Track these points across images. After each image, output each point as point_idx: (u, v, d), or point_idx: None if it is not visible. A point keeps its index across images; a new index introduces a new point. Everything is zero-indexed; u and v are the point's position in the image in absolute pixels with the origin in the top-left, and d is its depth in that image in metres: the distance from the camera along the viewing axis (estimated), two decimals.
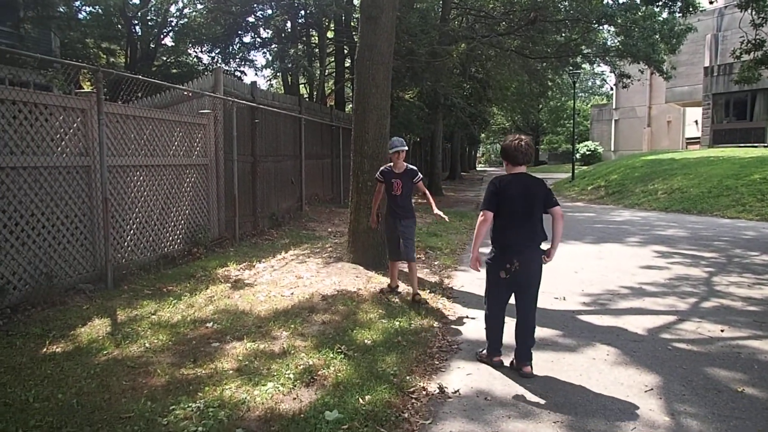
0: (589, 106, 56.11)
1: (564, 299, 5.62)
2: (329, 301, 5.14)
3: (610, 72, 34.51)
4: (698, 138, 28.80)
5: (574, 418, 3.09)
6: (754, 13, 10.24)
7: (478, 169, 55.47)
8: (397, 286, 5.67)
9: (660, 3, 11.59)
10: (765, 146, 23.25)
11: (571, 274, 6.82)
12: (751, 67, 10.49)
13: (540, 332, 4.50)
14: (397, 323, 4.62)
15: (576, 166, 32.87)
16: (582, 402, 3.29)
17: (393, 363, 3.79)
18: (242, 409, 3.07)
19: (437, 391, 3.43)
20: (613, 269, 7.06)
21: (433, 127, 19.68)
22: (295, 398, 3.22)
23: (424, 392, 3.42)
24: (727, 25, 29.08)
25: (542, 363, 3.85)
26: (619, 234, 10.24)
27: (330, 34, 22.20)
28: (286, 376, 3.49)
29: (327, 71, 21.84)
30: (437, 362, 3.96)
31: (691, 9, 14.09)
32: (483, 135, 60.16)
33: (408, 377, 3.59)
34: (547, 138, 58.74)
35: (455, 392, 3.43)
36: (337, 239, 8.69)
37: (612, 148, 41.07)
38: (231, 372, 3.55)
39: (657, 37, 16.84)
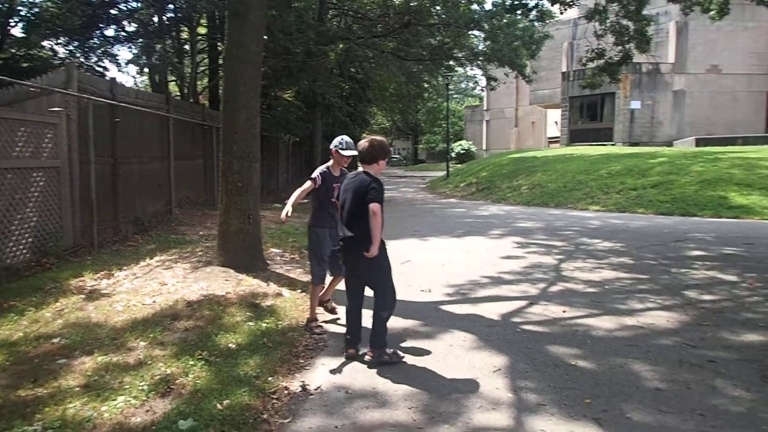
0: (463, 107, 59.03)
1: (429, 291, 5.89)
2: (194, 307, 4.97)
3: (482, 75, 36.56)
4: (558, 137, 31.41)
5: (429, 402, 3.27)
6: (597, 24, 11.38)
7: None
8: (334, 308, 5.07)
9: (519, 11, 12.50)
10: (612, 144, 25.94)
11: (438, 267, 7.16)
12: (596, 74, 11.68)
13: (404, 323, 4.71)
14: (265, 325, 4.59)
15: (451, 165, 34.49)
16: (437, 387, 3.49)
17: (256, 365, 3.76)
18: (87, 427, 2.89)
19: (299, 389, 3.46)
20: (477, 261, 7.51)
21: (312, 126, 19.65)
22: (148, 410, 3.09)
23: (286, 392, 3.44)
24: (580, 34, 31.94)
25: (404, 353, 4.01)
26: (485, 227, 10.90)
27: (202, 30, 21.34)
28: (140, 388, 3.33)
29: (199, 69, 20.98)
30: (302, 361, 3.98)
31: (545, 17, 15.35)
32: (364, 135, 61.20)
33: (270, 378, 3.58)
34: (426, 137, 60.89)
35: (317, 389, 3.48)
36: (208, 243, 8.40)
37: (484, 147, 43.56)
38: (77, 389, 3.32)
39: (518, 43, 18.15)
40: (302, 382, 3.56)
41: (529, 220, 12.10)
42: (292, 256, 7.82)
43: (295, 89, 18.73)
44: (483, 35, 20.36)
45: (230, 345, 4.11)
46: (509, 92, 38.85)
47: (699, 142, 19.87)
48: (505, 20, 18.49)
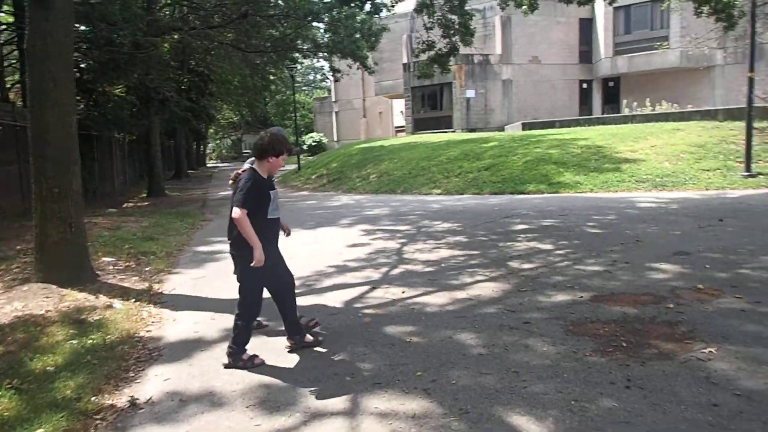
0: (312, 99, 58.99)
1: None
2: (5, 332, 4.43)
3: (328, 67, 36.61)
4: (404, 126, 32.71)
5: (267, 397, 3.25)
6: (426, 17, 11.99)
7: (208, 165, 53.77)
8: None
9: (353, 4, 12.75)
10: (453, 131, 27.63)
11: (287, 260, 7.11)
12: (428, 65, 12.33)
13: None
14: (90, 341, 4.22)
15: (303, 157, 34.37)
16: (276, 381, 3.48)
17: (77, 386, 3.45)
18: None
19: (127, 404, 3.25)
20: (324, 251, 7.59)
21: (148, 123, 18.37)
22: None
23: (112, 409, 3.21)
24: (417, 26, 33.54)
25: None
26: (334, 218, 11.05)
27: (10, 19, 18.86)
28: None
29: (8, 62, 18.57)
30: (132, 374, 3.74)
31: (379, 10, 15.83)
32: (211, 130, 58.61)
33: (94, 398, 3.31)
34: None
35: (148, 401, 3.29)
36: (27, 258, 7.51)
37: (335, 138, 43.99)
38: None
39: (358, 35, 18.53)
40: (131, 396, 3.34)
41: (376, 207, 12.47)
42: (128, 263, 7.28)
43: (125, 83, 17.30)
44: (324, 27, 20.49)
45: (48, 368, 3.73)
46: (356, 83, 39.63)
47: (525, 127, 21.86)
48: (344, 13, 18.76)
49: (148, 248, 8.23)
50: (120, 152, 20.91)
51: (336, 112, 44.62)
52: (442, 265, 6.32)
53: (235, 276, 3.96)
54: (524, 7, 10.29)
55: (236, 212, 3.57)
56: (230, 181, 3.98)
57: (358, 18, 18.83)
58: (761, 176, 11.26)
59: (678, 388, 3.01)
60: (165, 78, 18.16)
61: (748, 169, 11.38)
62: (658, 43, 22.08)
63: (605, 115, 24.29)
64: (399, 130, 36.93)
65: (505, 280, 5.45)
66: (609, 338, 3.80)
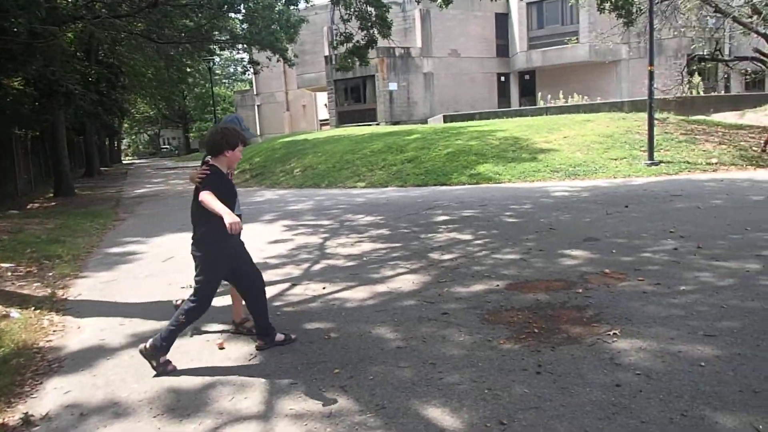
0: (233, 92, 57.34)
1: (190, 287, 5.59)
2: None
3: (247, 60, 35.66)
4: (328, 119, 32.46)
5: (176, 404, 3.10)
6: (343, 8, 11.88)
7: (124, 162, 51.12)
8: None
9: None
10: (377, 124, 27.71)
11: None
12: (346, 57, 12.25)
13: (162, 325, 4.39)
14: None
15: None
16: (187, 386, 3.32)
17: None
18: None
19: (20, 422, 3.00)
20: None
21: (52, 118, 17.15)
22: None
23: (2, 429, 2.94)
24: (338, 19, 33.35)
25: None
26: (256, 213, 10.77)
27: None
28: None
29: None
30: (29, 389, 3.46)
31: (296, 2, 15.60)
32: (126, 125, 55.74)
33: None
34: (196, 125, 57.94)
35: (44, 416, 3.05)
36: None
37: (258, 132, 42.98)
38: None
39: (276, 26, 18.13)
40: (25, 413, 3.08)
41: (300, 202, 12.29)
42: (29, 269, 6.77)
43: (23, 76, 16.05)
44: (241, 18, 19.92)
45: None
46: (278, 76, 38.88)
47: (446, 119, 22.28)
48: (261, 3, 18.30)
49: (53, 251, 7.69)
50: (22, 150, 19.41)
51: (258, 106, 43.61)
52: (364, 258, 6.30)
53: (194, 280, 3.73)
54: (438, 0, 10.42)
55: (203, 194, 3.40)
56: (197, 179, 3.67)
57: (276, 9, 18.45)
58: (662, 164, 12.03)
59: (585, 371, 3.14)
60: (69, 70, 17.01)
61: (651, 157, 12.12)
62: (568, 38, 23.04)
63: (522, 107, 25.19)
64: (324, 123, 36.62)
65: (425, 272, 5.50)
66: (522, 325, 3.91)
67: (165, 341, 3.56)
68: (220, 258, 3.64)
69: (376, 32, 11.96)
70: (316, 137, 21.98)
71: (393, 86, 29.24)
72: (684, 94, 17.29)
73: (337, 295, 4.96)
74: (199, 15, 20.08)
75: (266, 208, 11.68)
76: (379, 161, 15.32)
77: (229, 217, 3.30)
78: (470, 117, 22.03)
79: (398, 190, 12.81)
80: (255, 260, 6.53)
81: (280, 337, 3.90)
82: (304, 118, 41.09)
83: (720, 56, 15.23)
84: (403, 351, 3.62)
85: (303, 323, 4.29)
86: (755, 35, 14.86)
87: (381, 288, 5.06)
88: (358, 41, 11.91)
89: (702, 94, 20.32)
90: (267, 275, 5.82)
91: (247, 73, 53.13)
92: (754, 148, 12.82)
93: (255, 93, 44.10)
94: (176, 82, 33.63)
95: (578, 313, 4.07)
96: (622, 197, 9.08)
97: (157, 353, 3.53)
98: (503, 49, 32.94)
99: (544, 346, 3.52)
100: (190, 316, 3.62)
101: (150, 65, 28.73)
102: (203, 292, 3.63)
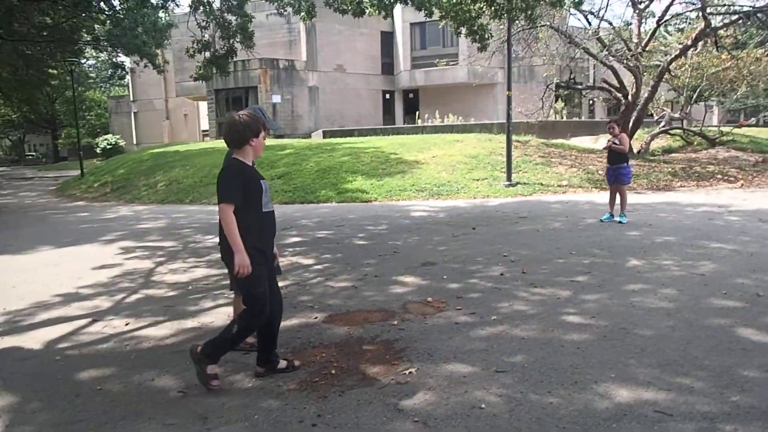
0: (108, 97, 53.55)
1: None
2: None
3: (120, 63, 33.41)
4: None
5: None
6: (203, 15, 11.28)
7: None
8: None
9: None
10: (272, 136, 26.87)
11: (8, 289, 6.01)
12: (205, 66, 11.63)
13: None
14: None
15: (94, 162, 30.90)
16: None
17: None
18: None
19: None
20: (62, 275, 6.57)
21: None
22: None
23: None
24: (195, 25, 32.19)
25: None
26: (99, 233, 9.82)
27: None
28: None
29: None
30: None
31: (166, 6, 14.70)
32: None
33: None
34: (66, 131, 53.37)
35: None
36: None
37: (135, 142, 40.39)
38: None
39: (140, 29, 16.98)
40: None
41: (154, 220, 11.45)
42: None
43: None
44: (103, 18, 18.47)
45: None
46: (157, 82, 36.77)
47: (326, 134, 22.10)
48: (126, 4, 17.07)
49: None
50: None
51: (135, 113, 41.01)
52: (190, 287, 5.81)
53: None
54: (303, 14, 10.19)
55: (220, 209, 3.15)
56: None
57: (142, 12, 17.28)
58: (519, 185, 12.58)
59: (363, 420, 2.92)
60: None
61: (509, 179, 12.64)
62: (444, 60, 23.80)
63: (400, 125, 25.64)
64: (206, 133, 35.09)
65: None
66: (322, 365, 3.65)
67: (216, 347, 3.30)
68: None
69: (238, 42, 11.45)
70: (188, 149, 20.88)
71: (277, 99, 28.63)
72: (546, 119, 18.39)
73: (137, 333, 4.44)
74: (57, 12, 18.43)
75: (113, 226, 10.72)
76: None
77: (239, 258, 3.11)
78: (349, 133, 22.04)
79: None
80: (65, 291, 5.87)
81: (282, 364, 3.54)
82: (186, 128, 39.19)
83: (574, 84, 16.38)
84: (178, 402, 3.22)
85: (78, 371, 3.74)
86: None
87: (190, 323, 4.62)
88: (216, 50, 11.35)
89: (564, 119, 21.79)
90: (68, 310, 5.20)
91: (120, 77, 49.92)
92: (599, 172, 13.81)
93: (132, 99, 41.44)
94: (37, 84, 30.70)
95: (385, 348, 3.89)
96: (474, 219, 9.28)
97: (205, 364, 3.28)
98: (388, 67, 33.51)
99: (334, 390, 3.28)
100: (246, 327, 3.33)
101: (5, 64, 25.96)
102: (255, 304, 3.28)
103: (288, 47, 30.01)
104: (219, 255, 7.37)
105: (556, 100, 23.91)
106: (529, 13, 9.62)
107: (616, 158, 8.33)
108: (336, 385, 3.34)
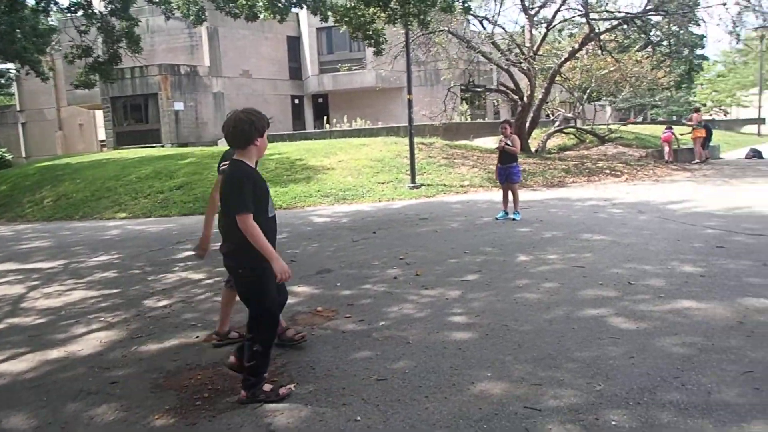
0: None
1: None
2: None
3: (4, 71, 30.86)
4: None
5: None
6: (85, 19, 10.56)
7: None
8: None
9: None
10: (162, 146, 25.70)
11: None
12: (86, 72, 10.90)
13: None
14: None
15: None
16: None
17: None
18: None
19: None
20: None
21: None
22: None
23: None
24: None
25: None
26: None
27: None
28: None
29: None
30: None
31: (48, 9, 13.65)
32: None
33: None
34: None
35: None
36: None
37: (23, 154, 37.35)
38: None
39: (19, 34, 15.68)
40: None
41: (39, 239, 10.56)
42: None
43: None
44: None
45: None
46: (48, 90, 34.19)
47: None
48: (1, 7, 15.70)
49: None
50: None
51: (23, 124, 37.94)
52: (62, 313, 5.34)
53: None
54: (192, 18, 9.78)
55: (241, 220, 2.94)
56: None
57: (20, 15, 15.96)
58: (423, 187, 12.76)
59: None
60: None
61: (413, 181, 12.79)
62: (347, 65, 23.71)
63: (309, 131, 25.42)
64: (104, 144, 33.05)
65: (124, 326, 4.78)
66: (197, 388, 3.44)
67: (255, 375, 3.19)
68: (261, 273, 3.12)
69: (123, 47, 10.81)
70: (80, 161, 19.51)
71: (179, 106, 27.47)
72: (449, 121, 18.84)
73: None
74: None
75: None
76: (145, 188, 13.98)
77: (279, 265, 3.00)
78: None
79: (160, 221, 11.71)
80: None
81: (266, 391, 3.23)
82: (82, 138, 36.76)
83: (474, 87, 16.91)
84: None
85: None
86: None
87: (56, 353, 4.22)
88: (98, 56, 10.66)
89: (468, 120, 22.46)
90: None
91: (4, 85, 46.12)
92: None
93: (18, 109, 38.31)
94: None
95: None
96: (377, 222, 9.28)
97: (257, 391, 3.18)
98: (296, 71, 33.15)
99: (205, 415, 3.09)
100: (266, 343, 3.21)
101: None
102: (267, 315, 3.19)
103: (190, 52, 28.93)
104: (102, 274, 6.96)
105: (462, 103, 24.63)
106: (422, 17, 9.76)
107: (507, 158, 8.61)
108: (207, 410, 3.15)
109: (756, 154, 19.65)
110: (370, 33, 9.84)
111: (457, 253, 6.58)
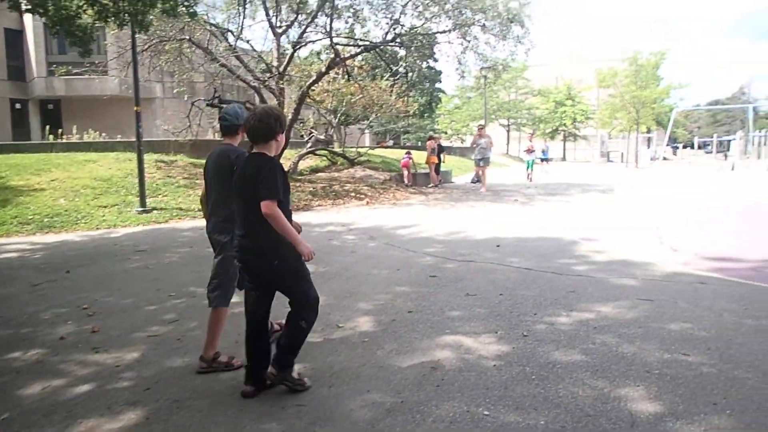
0: None
1: None
2: None
3: None
4: None
5: None
6: None
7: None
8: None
9: None
10: None
11: None
12: None
13: None
14: None
15: None
16: None
17: None
18: None
19: None
20: None
21: None
22: None
23: None
24: None
25: None
26: None
27: None
28: None
29: None
30: None
31: None
32: None
33: None
34: None
35: None
36: None
37: None
38: None
39: None
40: None
41: None
42: None
43: None
44: None
45: None
46: None
47: None
48: None
49: None
50: None
51: None
52: None
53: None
54: None
55: (267, 206, 2.97)
56: None
57: None
58: (155, 211, 11.35)
59: None
60: None
61: (143, 204, 11.29)
62: (65, 68, 20.48)
63: (23, 142, 21.56)
64: None
65: None
66: None
67: (293, 353, 3.32)
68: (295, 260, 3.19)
69: None
70: None
71: None
72: (195, 137, 17.49)
73: None
74: None
75: None
76: None
77: (304, 247, 3.09)
78: None
79: None
80: None
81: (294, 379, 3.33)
82: None
83: (219, 102, 15.92)
84: None
85: None
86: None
87: None
88: None
89: (218, 137, 21.23)
90: None
91: None
92: None
93: None
94: None
95: None
96: (79, 258, 7.71)
97: (288, 372, 3.28)
98: (18, 71, 28.13)
99: None
100: (312, 321, 3.33)
101: None
102: (311, 293, 3.30)
103: None
104: None
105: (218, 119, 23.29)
106: (140, 18, 8.56)
107: None
108: None
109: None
110: (74, 30, 8.29)
111: (160, 297, 5.59)
